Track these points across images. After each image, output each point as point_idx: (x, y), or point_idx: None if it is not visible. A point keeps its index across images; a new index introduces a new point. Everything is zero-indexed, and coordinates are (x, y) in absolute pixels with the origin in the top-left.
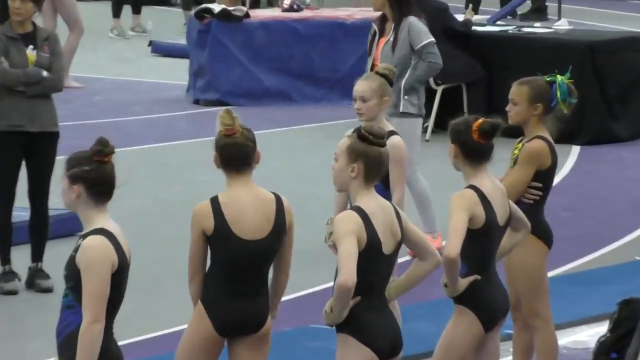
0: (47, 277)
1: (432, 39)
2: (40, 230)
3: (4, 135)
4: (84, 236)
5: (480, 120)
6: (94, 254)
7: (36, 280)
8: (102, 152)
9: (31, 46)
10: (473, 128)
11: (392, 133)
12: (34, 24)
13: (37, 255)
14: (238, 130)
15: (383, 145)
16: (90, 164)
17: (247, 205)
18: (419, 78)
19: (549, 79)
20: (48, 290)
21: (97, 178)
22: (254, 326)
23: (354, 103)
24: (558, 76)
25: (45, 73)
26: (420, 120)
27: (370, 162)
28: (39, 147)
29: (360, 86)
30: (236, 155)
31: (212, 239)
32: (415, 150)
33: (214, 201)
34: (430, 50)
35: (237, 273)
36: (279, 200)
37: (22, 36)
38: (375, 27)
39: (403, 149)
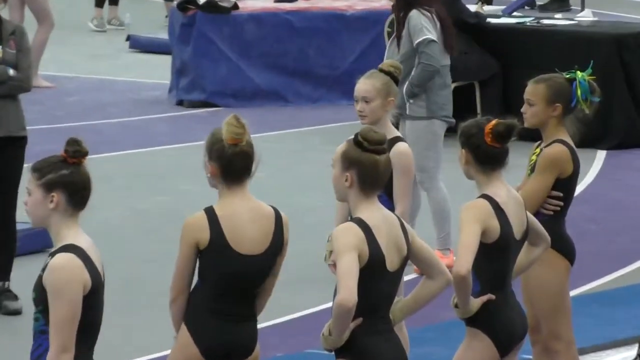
0: (15, 297)
1: (428, 36)
2: (7, 246)
3: None
4: (53, 254)
5: (493, 122)
6: (62, 275)
7: (3, 301)
8: (79, 152)
9: None
10: (486, 131)
11: (397, 139)
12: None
13: (4, 273)
14: (245, 138)
15: (380, 152)
16: (68, 167)
17: (246, 218)
18: (414, 82)
19: (568, 75)
20: (16, 312)
21: (79, 182)
22: (243, 352)
23: (355, 104)
24: (578, 72)
25: (11, 71)
26: (436, 121)
27: (364, 170)
28: (4, 154)
29: (363, 85)
30: (240, 166)
31: (206, 253)
32: (431, 157)
33: (210, 212)
34: (424, 49)
35: (229, 292)
36: (278, 215)
37: None
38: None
39: (409, 156)
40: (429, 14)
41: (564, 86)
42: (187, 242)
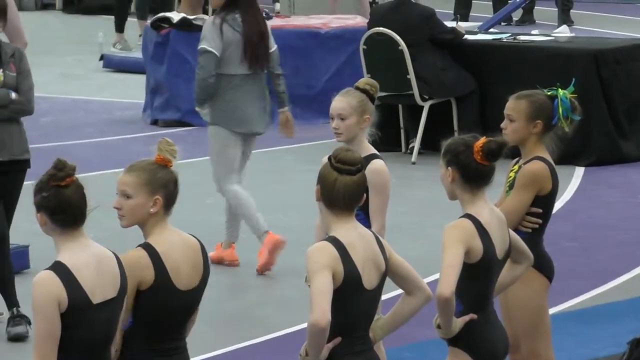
0: (22, 321)
1: (203, 46)
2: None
3: None
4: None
5: (483, 140)
6: (39, 292)
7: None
8: (55, 176)
9: None
10: (475, 149)
11: (373, 156)
12: None
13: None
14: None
15: (353, 172)
16: (49, 190)
17: (181, 252)
18: (194, 88)
19: (549, 93)
20: (21, 337)
21: (56, 205)
22: None
23: (331, 121)
24: (560, 90)
25: (13, 95)
26: (221, 129)
27: (327, 187)
28: (7, 177)
29: (339, 103)
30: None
31: (148, 292)
32: (220, 162)
33: (148, 248)
34: (198, 58)
35: (169, 328)
36: (202, 245)
37: None
38: None
39: (384, 174)
40: (219, 22)
41: (545, 103)
42: (131, 281)
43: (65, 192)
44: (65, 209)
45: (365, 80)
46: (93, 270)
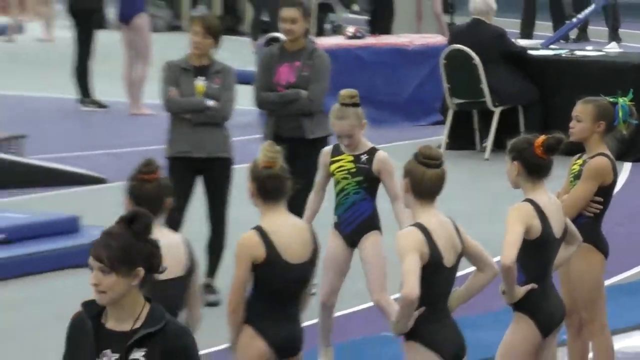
0: (215, 291)
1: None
2: (216, 249)
3: (172, 161)
4: None
5: (543, 137)
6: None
7: (205, 294)
8: (142, 171)
9: (202, 77)
10: (536, 144)
11: (375, 149)
12: (210, 57)
13: (211, 271)
14: (278, 164)
15: (432, 165)
16: (135, 181)
17: (289, 232)
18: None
19: (612, 99)
20: (215, 304)
21: (137, 196)
22: (300, 347)
23: (340, 139)
24: (620, 98)
25: (210, 102)
26: None
27: (415, 180)
28: (207, 172)
29: (343, 127)
30: (273, 187)
31: (262, 266)
32: None
33: (260, 229)
34: None
35: (285, 297)
36: (310, 227)
37: (195, 68)
38: None
39: (390, 160)
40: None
41: (608, 108)
42: (243, 259)
43: (147, 185)
44: (141, 200)
45: (347, 94)
46: (177, 249)
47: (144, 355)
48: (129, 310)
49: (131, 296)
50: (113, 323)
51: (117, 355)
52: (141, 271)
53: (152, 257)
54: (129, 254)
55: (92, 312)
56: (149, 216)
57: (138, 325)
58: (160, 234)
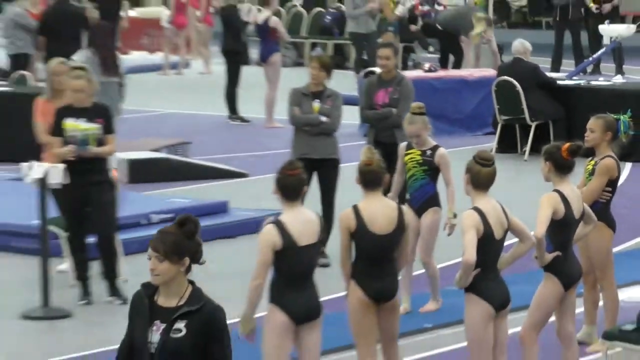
0: (326, 256)
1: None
2: (327, 225)
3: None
4: None
5: (568, 144)
6: (260, 237)
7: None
8: (286, 168)
9: (317, 100)
10: (563, 149)
11: (438, 146)
12: (324, 85)
13: (323, 242)
14: (375, 161)
15: (485, 165)
16: (281, 174)
17: (380, 210)
18: None
19: (616, 116)
20: (326, 265)
21: (282, 186)
22: (391, 296)
23: (414, 139)
24: (622, 115)
25: (323, 118)
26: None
27: (473, 175)
28: (321, 169)
29: (412, 128)
30: (370, 178)
31: (355, 235)
32: None
33: (355, 207)
34: None
35: (371, 262)
36: (399, 208)
37: (313, 93)
38: None
39: (447, 155)
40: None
41: (613, 122)
42: (343, 229)
43: (289, 179)
44: (285, 189)
45: (416, 105)
46: (299, 225)
47: (184, 326)
48: (176, 290)
49: (178, 279)
50: (163, 300)
51: (164, 325)
52: (187, 261)
53: (195, 252)
54: (179, 248)
55: (148, 291)
56: (196, 222)
57: (182, 302)
58: (301, 212)
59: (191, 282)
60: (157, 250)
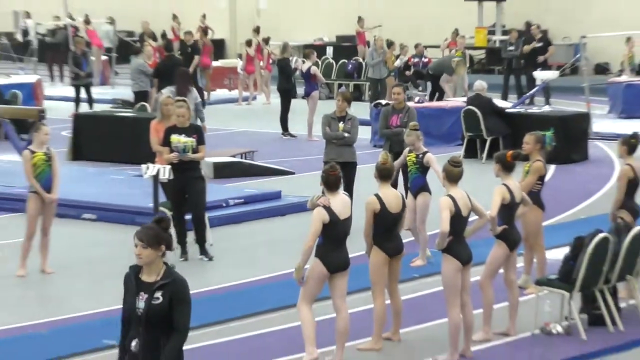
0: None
1: None
2: None
3: (326, 163)
4: None
5: (511, 151)
6: (313, 215)
7: None
8: (328, 170)
9: (342, 122)
10: (507, 155)
11: (426, 152)
12: (347, 111)
13: None
14: (389, 162)
15: (457, 166)
16: (325, 174)
17: (392, 196)
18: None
19: (543, 133)
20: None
21: (325, 182)
22: (401, 250)
23: (408, 150)
24: (547, 132)
25: (346, 134)
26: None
27: (448, 173)
28: (344, 169)
29: (410, 137)
30: (385, 174)
31: (377, 215)
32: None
33: (377, 195)
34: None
35: (388, 231)
36: (402, 194)
37: (338, 117)
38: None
39: (433, 158)
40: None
41: (541, 137)
42: (369, 211)
43: (331, 177)
44: (328, 183)
45: (412, 125)
46: (340, 205)
47: (161, 295)
48: (155, 269)
49: (157, 262)
50: (146, 277)
51: (147, 295)
52: (163, 248)
53: (169, 242)
54: (158, 239)
55: (135, 270)
56: (169, 220)
57: (159, 278)
58: (339, 197)
59: (165, 263)
60: (142, 240)
